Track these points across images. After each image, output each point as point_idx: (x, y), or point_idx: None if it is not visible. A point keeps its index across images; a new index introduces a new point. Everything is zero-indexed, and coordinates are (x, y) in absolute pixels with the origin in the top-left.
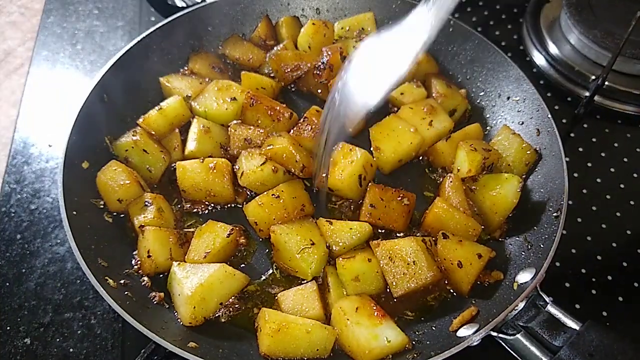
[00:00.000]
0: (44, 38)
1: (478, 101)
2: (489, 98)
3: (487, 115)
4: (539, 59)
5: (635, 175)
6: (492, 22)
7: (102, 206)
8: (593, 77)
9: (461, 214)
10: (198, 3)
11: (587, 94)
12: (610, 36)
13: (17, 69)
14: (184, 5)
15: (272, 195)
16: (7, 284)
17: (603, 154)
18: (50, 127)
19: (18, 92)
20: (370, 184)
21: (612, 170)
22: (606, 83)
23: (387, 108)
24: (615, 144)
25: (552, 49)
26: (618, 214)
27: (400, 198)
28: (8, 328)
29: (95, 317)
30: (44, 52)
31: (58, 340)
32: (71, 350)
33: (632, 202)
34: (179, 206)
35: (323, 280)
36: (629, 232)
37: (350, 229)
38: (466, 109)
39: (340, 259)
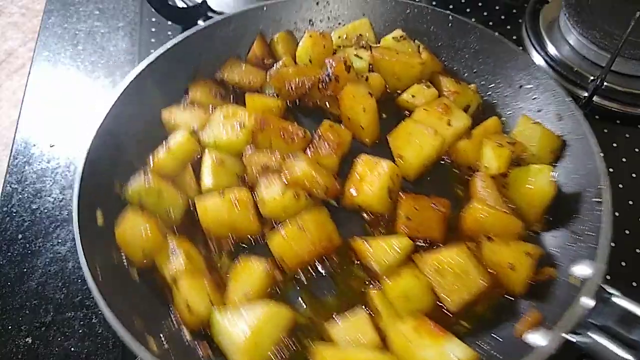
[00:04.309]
0: (45, 39)
1: (489, 94)
2: (500, 89)
3: (501, 107)
4: (538, 59)
5: (634, 175)
6: (491, 23)
7: (125, 263)
8: (592, 78)
9: (500, 212)
10: (198, 3)
11: (586, 94)
12: (609, 37)
13: (18, 70)
14: (185, 5)
15: (297, 227)
16: (9, 283)
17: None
18: (52, 127)
19: (19, 93)
20: (400, 194)
21: (612, 170)
22: (605, 83)
23: (399, 113)
24: (615, 144)
25: (551, 49)
26: (617, 213)
27: (434, 205)
28: (9, 327)
29: (96, 317)
30: (45, 52)
31: (59, 339)
32: (72, 349)
33: (631, 202)
34: (205, 245)
35: (369, 305)
36: (628, 232)
37: (391, 243)
38: (478, 103)
39: (385, 278)
